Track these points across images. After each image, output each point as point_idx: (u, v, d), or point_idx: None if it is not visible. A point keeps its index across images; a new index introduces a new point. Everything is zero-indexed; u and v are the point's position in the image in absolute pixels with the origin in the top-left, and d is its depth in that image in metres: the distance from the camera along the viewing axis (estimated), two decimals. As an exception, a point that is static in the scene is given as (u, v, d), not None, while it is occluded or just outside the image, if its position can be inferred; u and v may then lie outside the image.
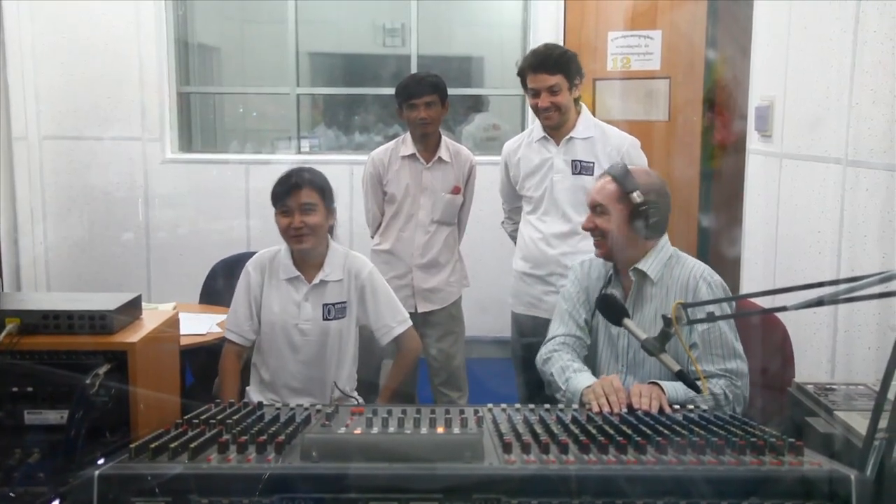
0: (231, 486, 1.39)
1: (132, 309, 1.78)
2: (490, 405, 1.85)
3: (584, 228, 2.34)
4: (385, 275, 3.55)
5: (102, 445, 1.60)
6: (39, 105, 4.95)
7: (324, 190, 2.65)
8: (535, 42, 5.05)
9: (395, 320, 2.72)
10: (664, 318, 1.77)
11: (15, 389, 1.62)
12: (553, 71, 3.04)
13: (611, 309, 1.97)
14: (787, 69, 3.39)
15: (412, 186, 3.51)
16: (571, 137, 3.12)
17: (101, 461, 1.44)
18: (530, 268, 3.21)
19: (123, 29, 5.08)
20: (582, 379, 2.14)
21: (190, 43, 5.55)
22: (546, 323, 2.77)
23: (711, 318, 1.84)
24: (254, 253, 2.83)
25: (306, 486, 1.39)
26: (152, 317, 1.82)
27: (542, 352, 2.37)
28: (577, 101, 3.15)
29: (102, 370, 1.61)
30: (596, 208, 2.29)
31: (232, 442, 1.50)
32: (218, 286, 3.57)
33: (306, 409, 1.81)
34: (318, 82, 5.80)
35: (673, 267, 2.28)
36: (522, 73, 3.12)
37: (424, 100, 3.43)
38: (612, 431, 1.61)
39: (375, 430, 1.64)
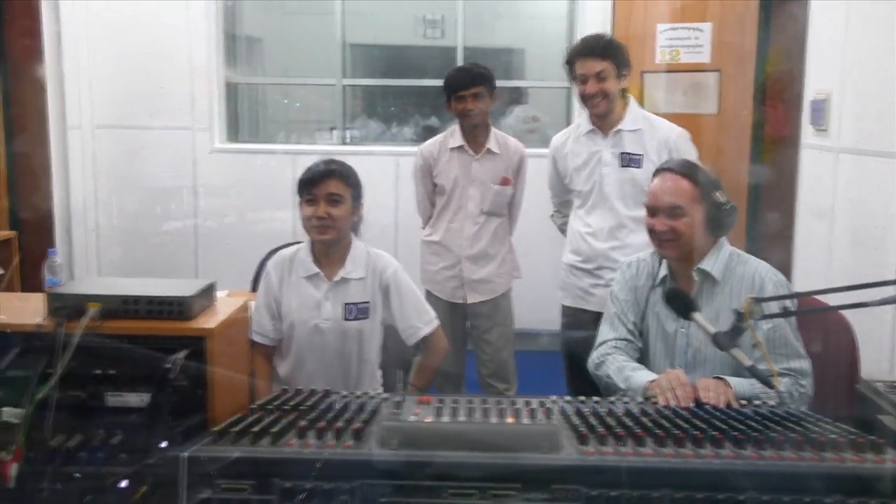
0: (313, 471, 1.41)
1: (207, 295, 1.81)
2: (554, 397, 1.85)
3: (656, 230, 2.23)
4: (435, 265, 3.59)
5: (181, 428, 1.63)
6: (93, 95, 5.02)
7: (352, 183, 2.56)
8: (582, 34, 5.03)
9: (421, 321, 2.63)
10: (736, 312, 1.76)
11: (98, 372, 1.65)
12: (601, 57, 3.02)
13: (679, 303, 1.95)
14: (844, 63, 3.34)
15: (461, 178, 3.51)
16: (619, 130, 3.10)
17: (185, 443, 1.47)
18: (579, 261, 3.20)
19: (174, 21, 5.14)
20: (644, 374, 2.13)
21: (237, 35, 5.59)
22: (595, 316, 2.76)
23: (787, 313, 1.83)
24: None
25: (386, 473, 1.41)
26: (225, 304, 1.85)
27: (594, 356, 2.34)
28: (624, 92, 3.13)
29: (182, 355, 1.64)
30: (672, 210, 2.20)
31: (310, 428, 1.52)
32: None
33: (373, 397, 1.83)
34: (359, 73, 5.81)
35: (735, 266, 2.25)
36: (571, 60, 3.10)
37: (472, 91, 3.43)
38: (686, 425, 1.60)
39: (445, 419, 1.65)
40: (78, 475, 1.59)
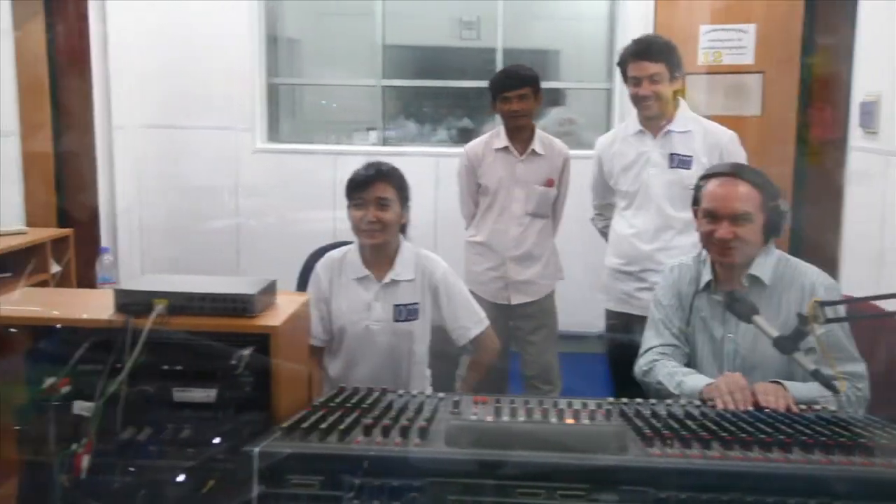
0: (382, 468, 1.42)
1: (270, 293, 1.83)
2: (610, 399, 1.85)
3: (719, 237, 2.16)
4: (479, 266, 3.60)
5: (247, 424, 1.65)
6: (138, 96, 5.09)
7: (400, 186, 2.57)
8: (624, 35, 5.01)
9: (471, 321, 2.64)
10: (800, 316, 1.75)
11: (165, 367, 1.68)
12: (655, 59, 3.02)
13: (739, 306, 1.94)
14: (895, 64, 3.30)
15: (506, 179, 3.52)
16: (669, 131, 3.09)
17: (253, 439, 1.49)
18: (623, 264, 3.20)
19: (216, 23, 5.21)
20: (698, 378, 2.12)
21: (277, 36, 5.64)
22: (639, 320, 2.74)
23: (848, 317, 1.81)
24: (350, 243, 2.84)
25: (455, 471, 1.42)
26: (287, 301, 1.87)
27: (641, 363, 2.32)
28: (676, 94, 3.12)
29: (248, 351, 1.66)
30: (739, 216, 2.15)
31: (375, 425, 1.54)
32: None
33: (429, 396, 1.84)
34: (396, 74, 5.83)
35: (784, 270, 2.23)
36: (624, 62, 3.10)
37: (517, 92, 3.43)
38: (750, 428, 1.60)
39: (506, 418, 1.65)
40: (147, 468, 1.62)
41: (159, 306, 1.70)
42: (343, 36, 5.95)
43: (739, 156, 3.03)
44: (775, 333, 1.80)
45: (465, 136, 5.23)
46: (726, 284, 2.23)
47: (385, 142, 5.59)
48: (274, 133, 5.55)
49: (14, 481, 1.73)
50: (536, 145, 3.52)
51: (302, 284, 3.72)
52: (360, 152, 5.25)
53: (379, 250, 2.57)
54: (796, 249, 4.45)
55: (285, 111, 5.84)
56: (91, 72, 4.56)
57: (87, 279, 3.69)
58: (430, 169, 5.05)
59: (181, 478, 1.64)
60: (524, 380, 3.60)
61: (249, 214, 5.27)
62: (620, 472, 1.40)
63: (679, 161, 3.08)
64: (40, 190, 4.25)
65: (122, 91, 4.91)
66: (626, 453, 1.45)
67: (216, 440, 1.63)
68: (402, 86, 5.78)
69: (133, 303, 1.71)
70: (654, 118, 3.08)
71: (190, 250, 5.21)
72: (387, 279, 2.57)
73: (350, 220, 2.58)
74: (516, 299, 3.53)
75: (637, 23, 4.93)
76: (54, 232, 3.48)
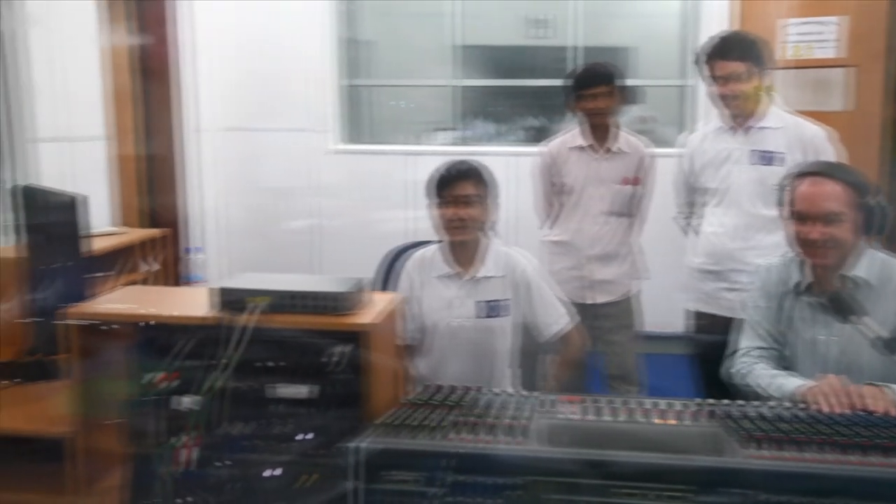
0: (478, 465, 1.44)
1: (363, 292, 1.87)
2: (698, 399, 1.82)
3: (810, 238, 2.13)
4: (558, 265, 3.58)
5: (341, 420, 1.69)
6: (220, 99, 5.22)
7: (486, 183, 2.61)
8: (702, 31, 4.94)
9: (558, 317, 2.66)
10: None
11: (265, 364, 1.73)
12: (740, 58, 2.96)
13: (844, 307, 1.90)
14: None
15: (585, 177, 3.50)
16: (758, 127, 3.04)
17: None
18: (707, 263, 3.15)
19: (293, 26, 5.31)
20: (797, 381, 2.07)
21: (352, 38, 5.72)
22: (724, 320, 2.70)
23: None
24: (428, 243, 2.87)
25: (554, 470, 1.43)
26: (379, 300, 1.91)
27: (734, 366, 2.28)
28: (763, 90, 3.06)
29: (345, 349, 1.70)
30: (830, 217, 2.10)
31: (471, 423, 1.56)
32: (393, 275, 3.66)
33: (520, 394, 1.85)
34: (469, 74, 5.84)
35: (881, 269, 2.17)
36: (705, 60, 3.05)
37: (597, 90, 3.41)
38: (850, 431, 1.57)
39: (605, 418, 1.65)
40: (246, 462, 1.67)
41: (258, 304, 1.75)
42: (417, 37, 6.00)
43: (830, 153, 2.96)
44: (886, 335, 1.75)
45: (537, 136, 5.22)
46: (823, 285, 2.17)
47: (459, 142, 5.61)
48: (350, 134, 5.63)
49: (122, 471, 1.81)
50: (617, 143, 3.49)
51: (379, 283, 3.78)
52: (435, 152, 5.28)
53: (464, 247, 2.60)
54: (891, 248, 4.32)
55: (361, 112, 5.91)
56: (179, 76, 4.70)
57: (174, 278, 3.83)
58: (504, 168, 5.02)
59: (278, 472, 1.69)
60: (605, 380, 3.58)
61: (326, 215, 5.36)
62: (719, 474, 1.39)
63: (764, 158, 3.02)
64: (128, 192, 4.41)
65: (206, 95, 5.05)
66: (722, 455, 1.44)
67: (312, 436, 1.67)
68: (475, 86, 5.80)
69: (233, 300, 1.77)
70: (739, 116, 3.04)
71: (269, 250, 5.33)
72: (472, 276, 2.60)
73: (435, 219, 2.61)
74: (599, 298, 3.50)
75: (715, 18, 4.85)
76: (150, 232, 3.63)
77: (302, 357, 1.73)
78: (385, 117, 6.24)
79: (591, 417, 1.65)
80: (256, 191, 5.39)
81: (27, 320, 2.46)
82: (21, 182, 3.52)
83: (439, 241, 2.72)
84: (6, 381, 2.29)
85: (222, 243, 5.33)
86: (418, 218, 5.01)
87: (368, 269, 3.85)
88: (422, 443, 1.49)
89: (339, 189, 5.34)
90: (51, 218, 2.35)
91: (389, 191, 5.20)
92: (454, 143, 5.56)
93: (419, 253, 2.74)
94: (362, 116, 5.93)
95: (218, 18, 5.19)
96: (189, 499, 1.73)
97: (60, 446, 2.03)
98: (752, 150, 3.02)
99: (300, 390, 1.71)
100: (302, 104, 5.35)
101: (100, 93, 4.18)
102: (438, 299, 2.61)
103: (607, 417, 1.65)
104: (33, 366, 2.35)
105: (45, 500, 2.00)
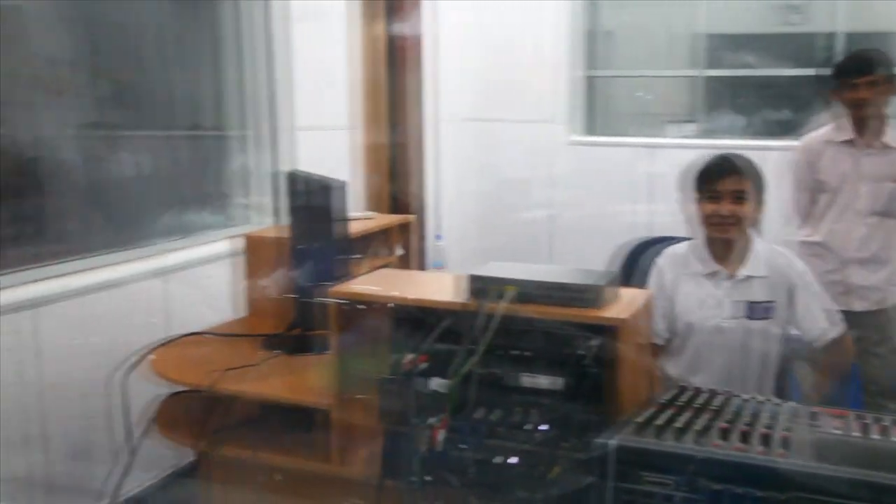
0: (743, 476, 1.35)
1: (614, 286, 1.82)
2: None
3: None
4: (814, 268, 3.32)
5: (592, 415, 1.65)
6: (458, 90, 5.34)
7: (758, 179, 2.45)
8: None
9: (831, 322, 2.46)
10: None
11: (514, 352, 1.73)
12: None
13: None
14: None
15: (849, 174, 3.22)
16: None
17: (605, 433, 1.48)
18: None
19: (532, 17, 5.32)
20: None
21: (590, 29, 5.64)
22: None
23: None
24: (671, 238, 2.74)
25: (821, 488, 1.31)
26: (629, 295, 1.85)
27: None
28: None
29: (597, 342, 1.66)
30: None
31: (732, 430, 1.46)
32: (636, 269, 3.56)
33: (779, 403, 1.71)
34: (710, 64, 5.55)
35: None
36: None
37: (868, 79, 3.12)
38: None
39: (871, 435, 1.49)
40: (496, 448, 1.69)
41: (510, 293, 1.75)
42: (658, 26, 5.82)
43: None
44: None
45: (781, 129, 4.88)
46: None
47: (701, 135, 5.37)
48: (588, 125, 5.56)
49: (377, 445, 1.89)
50: (888, 137, 3.18)
51: (626, 279, 3.70)
52: (676, 145, 5.09)
53: (729, 245, 2.47)
54: None
55: (599, 104, 5.82)
56: (423, 67, 4.86)
57: (417, 263, 3.97)
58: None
59: (518, 460, 1.69)
60: (865, 394, 3.27)
61: (562, 206, 5.33)
62: None
63: None
64: (375, 179, 4.63)
65: (446, 86, 5.18)
66: None
67: (556, 427, 1.65)
68: (717, 76, 5.51)
69: (485, 288, 1.78)
70: None
71: (503, 239, 5.39)
72: (740, 275, 2.45)
73: (699, 213, 2.48)
74: (859, 306, 3.21)
75: None
76: (398, 218, 3.79)
77: (550, 348, 1.71)
78: (623, 109, 6.11)
79: (856, 434, 1.50)
80: (492, 180, 5.47)
81: (288, 296, 2.64)
82: (281, 168, 3.81)
83: (688, 238, 2.60)
84: (272, 353, 2.46)
85: (458, 231, 5.47)
86: (656, 212, 4.88)
87: (602, 261, 3.78)
88: (684, 446, 1.41)
89: (574, 181, 5.29)
90: (313, 201, 2.50)
91: (627, 184, 5.09)
92: (696, 136, 5.32)
93: (671, 249, 2.62)
94: (601, 107, 5.84)
95: (460, 12, 5.31)
96: (432, 478, 1.77)
97: (315, 416, 2.16)
98: None
99: (547, 381, 1.69)
100: (539, 95, 5.36)
101: (352, 84, 4.41)
102: (694, 298, 2.48)
103: (876, 436, 1.49)
104: (294, 340, 2.52)
105: (304, 464, 2.13)
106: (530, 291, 1.76)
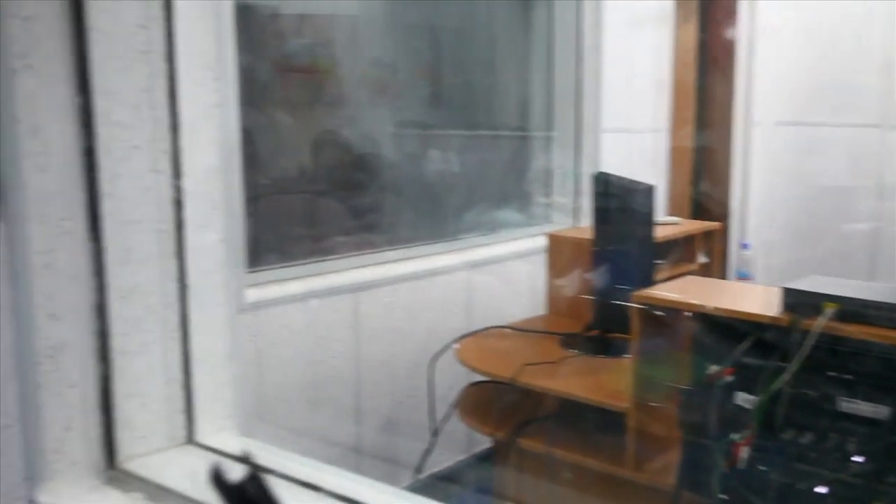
0: None
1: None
2: None
3: None
4: None
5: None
6: (774, 92, 5.04)
7: None
8: None
9: None
10: None
11: (832, 374, 1.61)
12: None
13: None
14: None
15: None
16: None
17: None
18: None
19: (866, 14, 4.85)
20: None
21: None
22: None
23: None
24: None
25: None
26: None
27: None
28: None
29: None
30: None
31: None
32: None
33: None
34: None
35: None
36: None
37: None
38: None
39: None
40: (804, 473, 1.59)
41: (829, 310, 1.64)
42: None
43: None
44: None
45: None
46: None
47: None
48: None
49: (674, 455, 1.86)
50: None
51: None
52: None
53: None
54: None
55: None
56: (736, 68, 4.66)
57: (721, 272, 3.80)
58: None
59: (839, 493, 1.57)
60: None
61: (891, 220, 4.81)
62: None
63: None
64: (681, 183, 4.51)
65: (760, 88, 4.91)
66: None
67: (877, 460, 1.51)
68: None
69: (802, 303, 1.68)
70: None
71: (817, 252, 4.99)
72: None
73: None
74: None
75: None
76: (704, 225, 3.66)
77: (875, 373, 1.57)
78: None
79: None
80: (807, 188, 5.07)
81: (588, 297, 2.68)
82: (584, 169, 3.85)
83: None
84: (570, 352, 2.51)
85: (766, 241, 5.15)
86: None
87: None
88: None
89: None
90: (619, 203, 2.50)
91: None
92: None
93: None
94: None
95: (781, 10, 4.99)
96: (730, 496, 1.71)
97: (611, 419, 2.17)
98: None
99: (869, 408, 1.56)
100: (867, 97, 4.87)
101: (660, 86, 4.34)
102: None
103: None
104: (593, 340, 2.54)
105: (597, 465, 2.15)
106: (854, 309, 1.62)
